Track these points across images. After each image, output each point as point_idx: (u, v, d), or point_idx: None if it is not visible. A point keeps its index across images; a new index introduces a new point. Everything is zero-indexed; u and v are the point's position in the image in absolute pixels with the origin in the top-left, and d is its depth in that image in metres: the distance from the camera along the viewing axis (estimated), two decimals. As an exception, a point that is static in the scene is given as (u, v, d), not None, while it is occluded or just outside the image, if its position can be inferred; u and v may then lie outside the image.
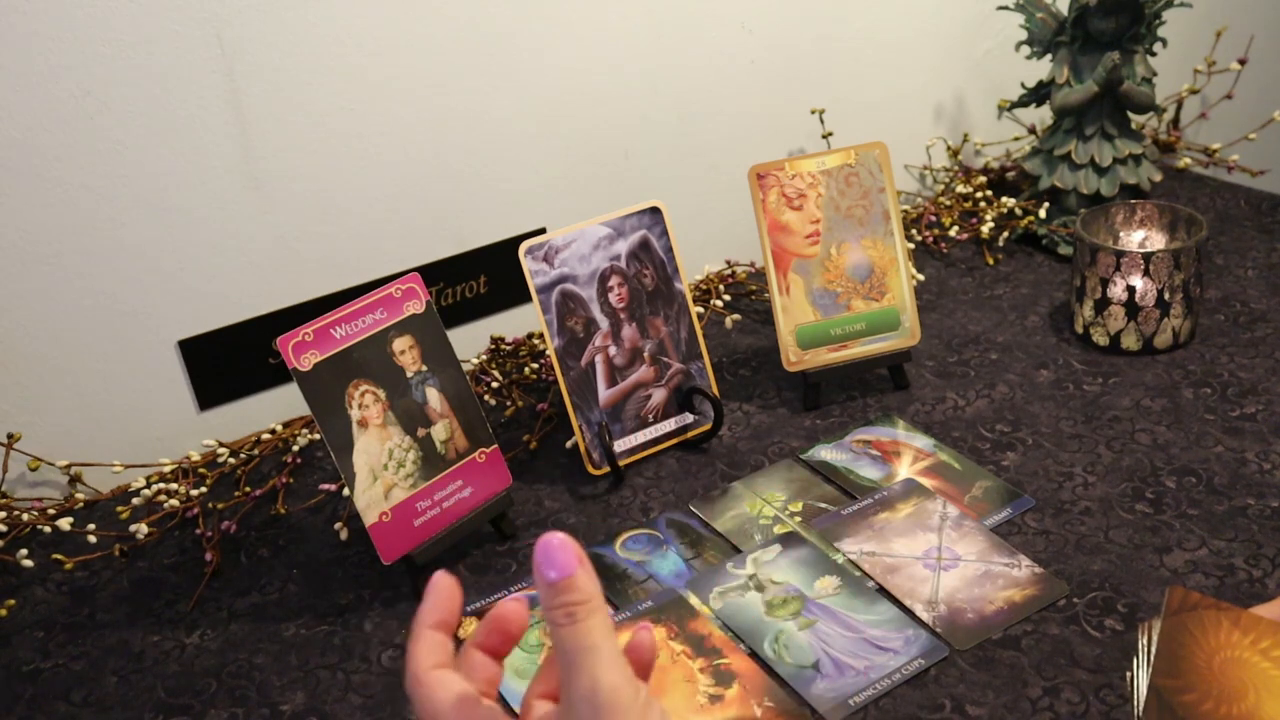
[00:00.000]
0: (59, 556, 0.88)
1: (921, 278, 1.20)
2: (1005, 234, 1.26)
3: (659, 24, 1.13)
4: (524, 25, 1.05)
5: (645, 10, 1.12)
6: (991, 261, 1.23)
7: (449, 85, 1.04)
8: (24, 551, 0.88)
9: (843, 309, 1.00)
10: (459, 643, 0.46)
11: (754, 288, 1.21)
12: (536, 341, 1.12)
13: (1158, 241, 1.09)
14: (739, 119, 1.22)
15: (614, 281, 0.93)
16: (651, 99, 1.16)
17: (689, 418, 0.97)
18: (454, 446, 0.85)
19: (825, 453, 0.95)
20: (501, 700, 0.70)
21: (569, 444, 0.97)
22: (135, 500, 0.93)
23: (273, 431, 1.03)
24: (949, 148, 1.38)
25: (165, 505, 0.93)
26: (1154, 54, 1.20)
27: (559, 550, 0.41)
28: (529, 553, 0.85)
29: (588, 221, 0.92)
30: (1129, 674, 0.60)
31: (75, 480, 0.97)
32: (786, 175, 0.99)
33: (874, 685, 0.72)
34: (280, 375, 1.03)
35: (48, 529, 0.90)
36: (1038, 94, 1.26)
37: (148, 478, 0.97)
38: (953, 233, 1.27)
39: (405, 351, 0.83)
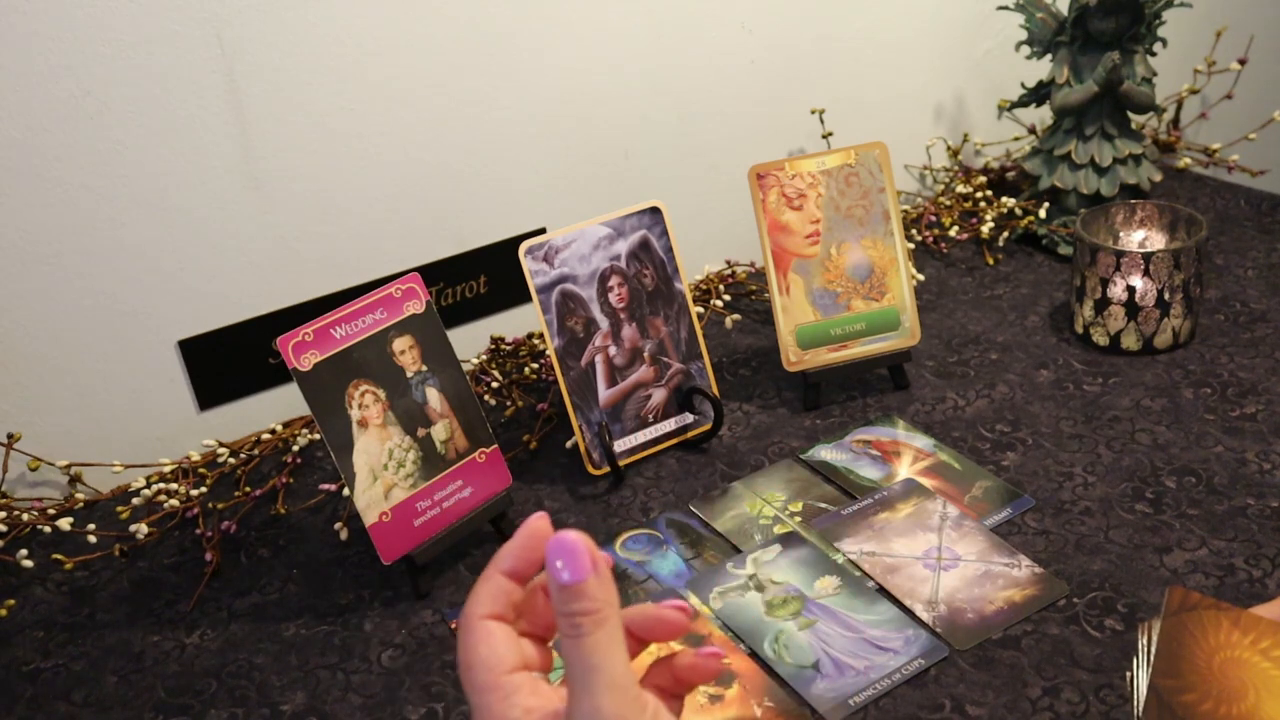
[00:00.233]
0: (59, 556, 0.88)
1: (921, 278, 1.20)
2: (1005, 234, 1.26)
3: (659, 24, 1.13)
4: (524, 25, 1.05)
5: (645, 10, 1.12)
6: (991, 261, 1.23)
7: (449, 85, 1.04)
8: (24, 551, 0.88)
9: (843, 309, 1.00)
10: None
11: (754, 288, 1.21)
12: (536, 341, 1.12)
13: (1158, 241, 1.09)
14: (739, 119, 1.22)
15: (614, 281, 0.93)
16: (651, 99, 1.16)
17: (689, 418, 0.97)
18: (454, 446, 0.85)
19: (825, 453, 0.95)
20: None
21: (569, 444, 0.97)
22: (135, 500, 0.93)
23: (273, 431, 1.03)
24: (949, 148, 1.38)
25: (165, 505, 0.93)
26: (1154, 54, 1.20)
27: (571, 553, 0.39)
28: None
29: (588, 221, 0.92)
30: (1129, 674, 0.60)
31: (75, 480, 0.97)
32: (786, 175, 0.99)
33: (874, 685, 0.72)
34: (280, 375, 1.03)
35: (48, 529, 0.90)
36: (1038, 94, 1.26)
37: (148, 478, 0.97)
38: (953, 233, 1.27)
39: (405, 351, 0.83)
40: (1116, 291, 1.02)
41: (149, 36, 0.89)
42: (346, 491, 0.85)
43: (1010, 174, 1.40)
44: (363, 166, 1.02)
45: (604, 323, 0.93)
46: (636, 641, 0.45)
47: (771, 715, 0.71)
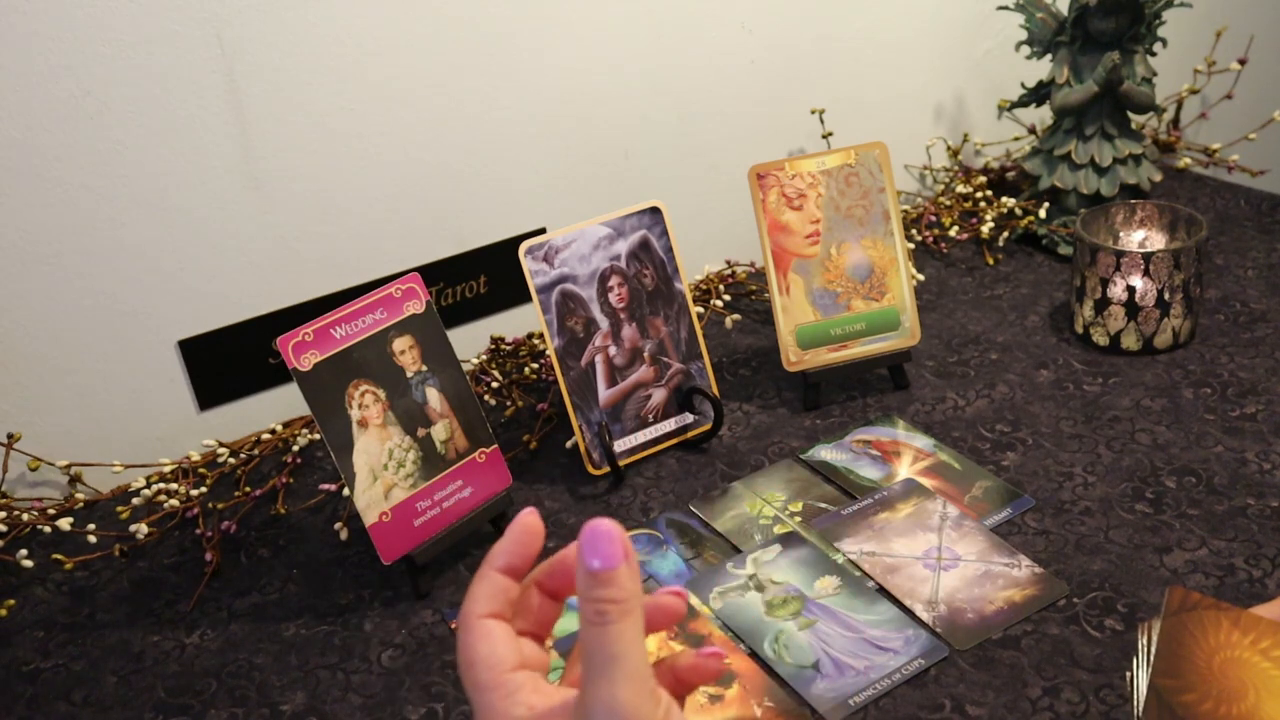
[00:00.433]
0: (59, 556, 0.88)
1: (921, 278, 1.20)
2: (1005, 234, 1.26)
3: (659, 24, 1.13)
4: (524, 25, 1.05)
5: (645, 10, 1.12)
6: (991, 261, 1.23)
7: (449, 85, 1.04)
8: (24, 551, 0.88)
9: (843, 309, 1.00)
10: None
11: (754, 288, 1.21)
12: (536, 341, 1.12)
13: (1158, 241, 1.09)
14: (739, 119, 1.22)
15: (614, 281, 0.93)
16: (651, 99, 1.16)
17: (689, 418, 0.97)
18: (454, 446, 0.85)
19: (825, 453, 0.95)
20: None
21: (569, 444, 0.97)
22: (135, 500, 0.93)
23: (273, 431, 1.03)
24: (949, 148, 1.38)
25: (165, 505, 0.93)
26: (1154, 54, 1.20)
27: (606, 540, 0.38)
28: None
29: (588, 221, 0.92)
30: (1129, 674, 0.60)
31: (75, 480, 0.97)
32: (786, 175, 0.99)
33: (874, 685, 0.72)
34: (280, 375, 1.03)
35: (48, 529, 0.90)
36: (1038, 94, 1.26)
37: (148, 478, 0.97)
38: (953, 233, 1.27)
39: (405, 351, 0.83)
40: (1116, 291, 1.02)
41: (149, 36, 0.89)
42: (346, 491, 0.85)
43: (1010, 174, 1.40)
44: (363, 166, 1.02)
45: (604, 323, 0.93)
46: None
47: (771, 715, 0.71)
